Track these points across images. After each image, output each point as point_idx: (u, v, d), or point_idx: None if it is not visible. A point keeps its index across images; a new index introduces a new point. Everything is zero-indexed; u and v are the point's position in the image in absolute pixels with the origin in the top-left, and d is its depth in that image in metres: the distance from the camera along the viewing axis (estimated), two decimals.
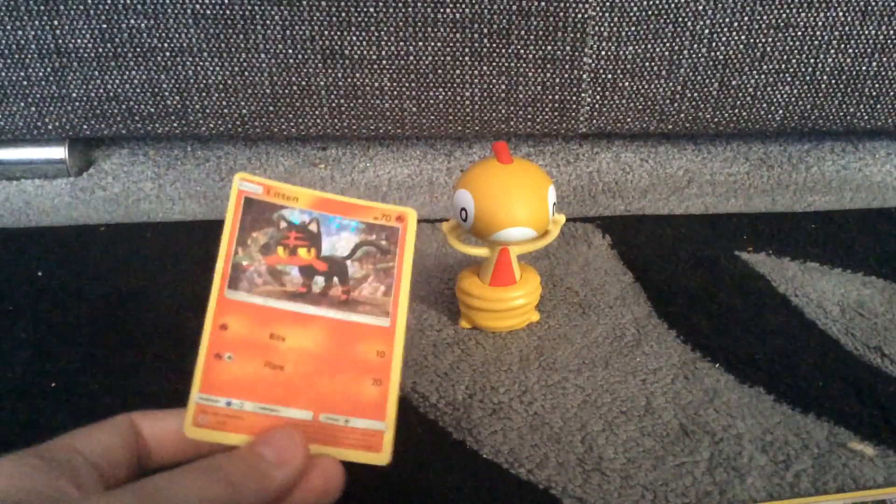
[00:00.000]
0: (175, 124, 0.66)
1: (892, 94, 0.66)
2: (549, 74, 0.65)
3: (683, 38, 0.63)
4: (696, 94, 0.66)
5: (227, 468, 0.24)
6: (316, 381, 0.28)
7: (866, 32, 0.63)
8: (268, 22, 0.61)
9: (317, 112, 0.66)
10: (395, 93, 0.65)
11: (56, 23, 0.61)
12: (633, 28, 0.63)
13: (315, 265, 0.29)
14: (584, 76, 0.65)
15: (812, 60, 0.64)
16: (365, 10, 0.61)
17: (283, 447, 0.26)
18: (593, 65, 0.64)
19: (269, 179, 0.30)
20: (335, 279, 0.29)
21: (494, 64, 0.64)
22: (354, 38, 0.62)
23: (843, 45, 0.64)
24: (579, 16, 0.62)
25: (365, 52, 0.63)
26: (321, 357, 0.28)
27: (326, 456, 0.27)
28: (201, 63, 0.63)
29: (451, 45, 0.63)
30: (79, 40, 0.62)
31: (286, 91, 0.65)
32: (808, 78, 0.65)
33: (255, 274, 0.29)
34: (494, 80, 0.65)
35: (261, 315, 0.28)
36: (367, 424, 0.28)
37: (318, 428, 0.27)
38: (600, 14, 0.62)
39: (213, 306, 0.28)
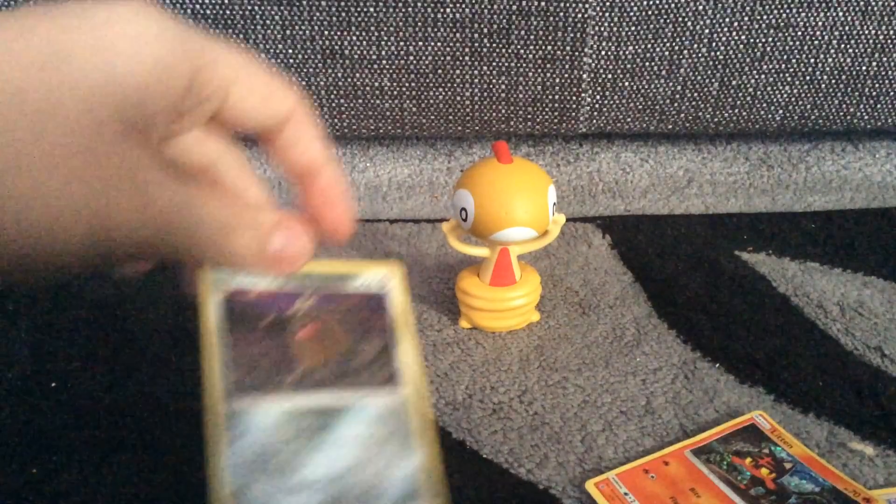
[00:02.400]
0: None
1: (892, 94, 0.66)
2: (549, 74, 0.65)
3: (683, 38, 0.63)
4: (696, 94, 0.66)
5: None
6: None
7: (866, 32, 0.63)
8: (268, 22, 0.61)
9: (317, 112, 0.66)
10: (395, 93, 0.65)
11: None
12: (633, 28, 0.63)
13: (767, 482, 0.34)
14: (584, 76, 0.65)
15: (812, 60, 0.64)
16: (365, 10, 0.61)
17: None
18: (593, 65, 0.64)
19: (779, 426, 0.37)
20: (773, 497, 0.33)
21: (494, 64, 0.64)
22: (354, 38, 0.62)
23: (843, 45, 0.64)
24: (579, 16, 0.62)
25: (365, 52, 0.63)
26: None
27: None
28: None
29: (451, 45, 0.63)
30: None
31: None
32: (808, 78, 0.65)
33: (719, 459, 0.35)
34: (494, 80, 0.65)
35: (699, 478, 0.34)
36: None
37: None
38: (600, 14, 0.62)
39: (672, 450, 0.36)
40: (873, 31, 0.63)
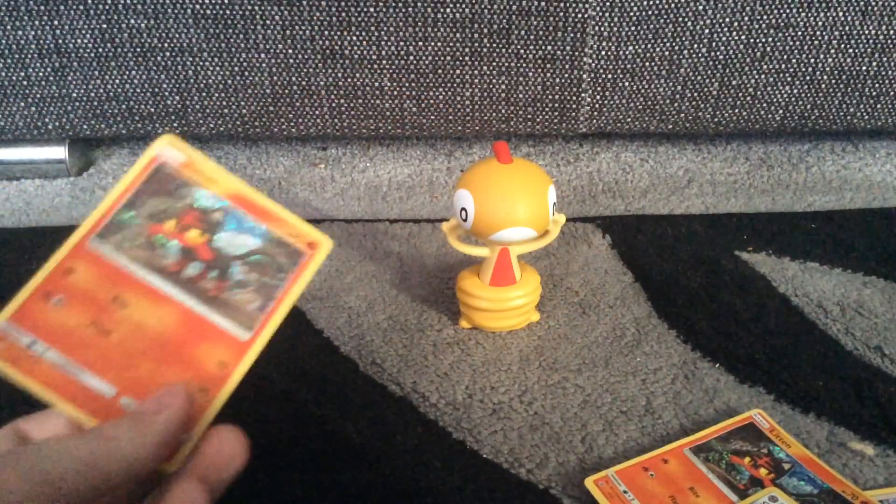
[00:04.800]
0: (175, 124, 0.66)
1: (892, 94, 0.66)
2: (549, 74, 0.65)
3: (683, 38, 0.63)
4: (696, 94, 0.66)
5: (105, 426, 0.23)
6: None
7: (866, 32, 0.63)
8: (268, 22, 0.61)
9: (317, 112, 0.66)
10: (395, 93, 0.65)
11: (56, 23, 0.61)
12: (633, 28, 0.63)
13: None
14: (584, 76, 0.65)
15: (812, 60, 0.64)
16: (365, 10, 0.61)
17: (161, 396, 0.25)
18: (593, 65, 0.64)
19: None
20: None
21: (494, 64, 0.64)
22: (354, 38, 0.62)
23: (843, 45, 0.64)
24: (579, 16, 0.62)
25: (365, 52, 0.63)
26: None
27: (227, 425, 0.25)
28: (201, 63, 0.63)
29: (451, 45, 0.63)
30: (79, 40, 0.62)
31: (286, 91, 0.65)
32: (808, 78, 0.65)
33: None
34: (494, 80, 0.65)
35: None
36: None
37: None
38: (600, 14, 0.62)
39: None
40: (873, 31, 0.63)
